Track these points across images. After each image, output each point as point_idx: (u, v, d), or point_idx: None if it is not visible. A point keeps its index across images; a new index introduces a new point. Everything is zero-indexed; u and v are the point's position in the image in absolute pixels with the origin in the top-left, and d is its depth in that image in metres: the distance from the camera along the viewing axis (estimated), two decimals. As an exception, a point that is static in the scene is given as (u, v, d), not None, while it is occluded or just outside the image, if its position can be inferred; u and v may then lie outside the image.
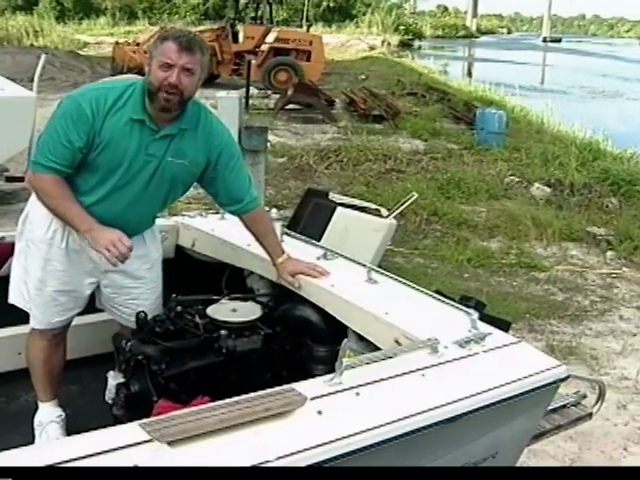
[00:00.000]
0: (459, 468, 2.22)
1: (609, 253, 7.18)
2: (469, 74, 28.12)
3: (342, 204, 5.34)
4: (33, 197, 2.84)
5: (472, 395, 2.09)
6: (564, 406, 2.90)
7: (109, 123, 2.60)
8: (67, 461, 1.58)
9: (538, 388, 2.28)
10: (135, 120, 2.63)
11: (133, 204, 2.73)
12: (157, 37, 2.70)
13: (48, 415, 2.97)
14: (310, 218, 5.55)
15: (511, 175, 9.80)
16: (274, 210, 3.44)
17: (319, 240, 4.16)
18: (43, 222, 2.77)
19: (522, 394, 2.22)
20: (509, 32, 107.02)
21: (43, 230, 2.78)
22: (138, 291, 2.94)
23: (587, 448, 3.89)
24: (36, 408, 3.00)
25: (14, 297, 2.92)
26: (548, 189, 9.12)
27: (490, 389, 2.14)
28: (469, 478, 2.15)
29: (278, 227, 3.16)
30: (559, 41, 69.32)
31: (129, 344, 2.67)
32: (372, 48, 33.47)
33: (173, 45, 2.57)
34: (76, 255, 2.80)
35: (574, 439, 3.89)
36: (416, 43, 43.25)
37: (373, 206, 5.64)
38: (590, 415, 2.91)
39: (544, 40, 64.64)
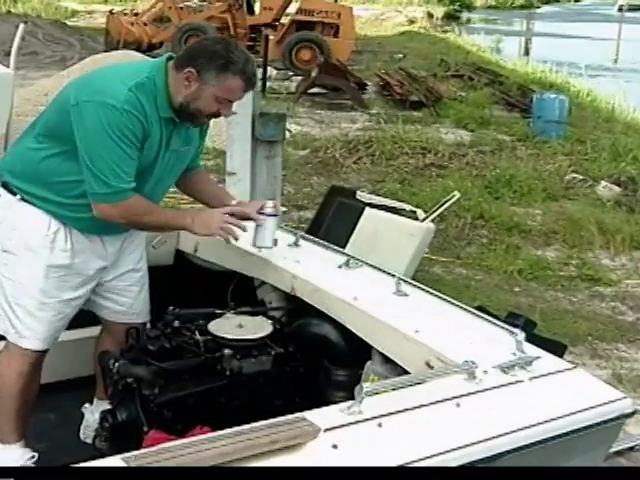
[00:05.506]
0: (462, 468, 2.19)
1: (689, 266, 7.11)
2: (526, 52, 27.88)
3: (371, 204, 5.34)
4: (8, 198, 2.85)
5: (514, 431, 2.08)
6: (632, 448, 2.85)
7: (150, 123, 2.74)
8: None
9: (597, 424, 2.26)
10: (164, 118, 2.79)
11: (148, 194, 2.87)
12: (216, 62, 2.73)
13: (17, 460, 2.86)
14: (334, 220, 5.56)
15: (573, 172, 9.74)
16: (282, 207, 3.48)
17: (344, 246, 4.17)
18: (40, 224, 2.81)
19: (576, 431, 2.20)
20: (577, 0, 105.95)
21: (41, 233, 2.81)
22: (135, 278, 3.12)
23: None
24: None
25: None
26: (617, 188, 9.05)
27: (536, 424, 2.13)
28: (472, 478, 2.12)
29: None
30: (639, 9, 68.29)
31: (117, 365, 2.69)
32: (412, 22, 33.38)
33: (241, 83, 2.78)
34: (82, 255, 2.89)
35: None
36: (464, 15, 43.10)
37: (408, 207, 5.62)
38: (663, 460, 2.87)
39: (620, 9, 63.66)
